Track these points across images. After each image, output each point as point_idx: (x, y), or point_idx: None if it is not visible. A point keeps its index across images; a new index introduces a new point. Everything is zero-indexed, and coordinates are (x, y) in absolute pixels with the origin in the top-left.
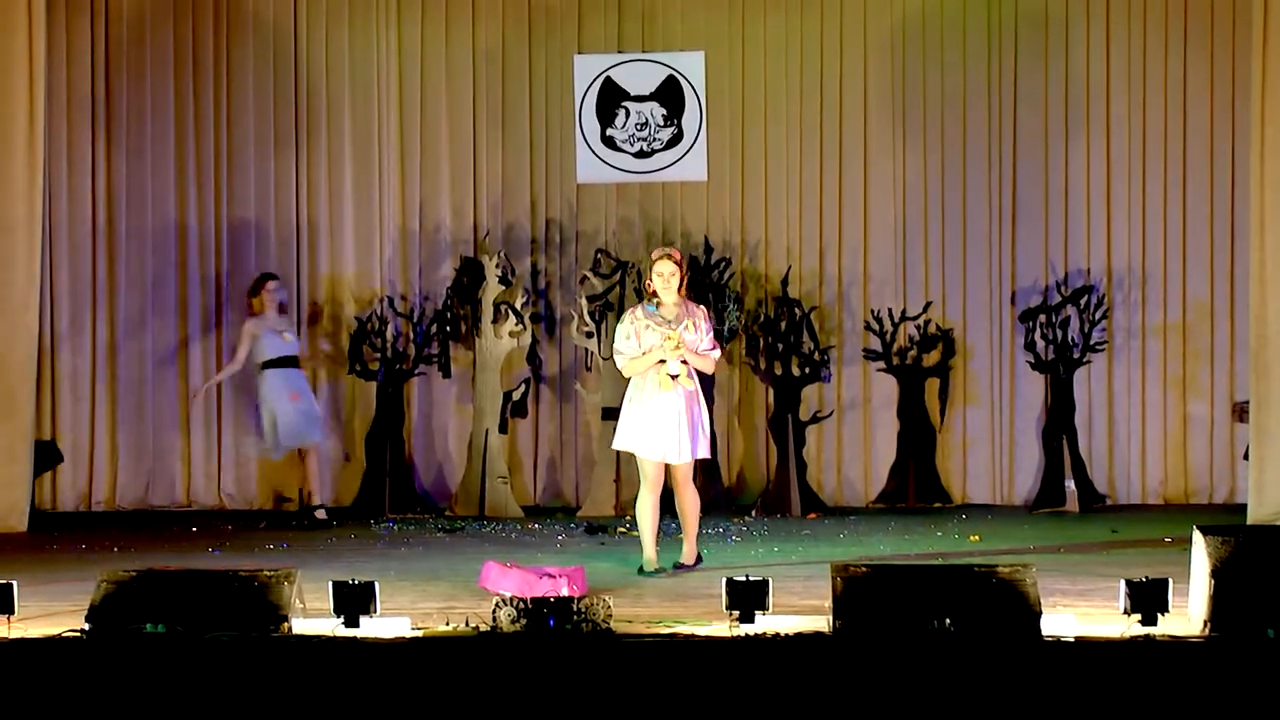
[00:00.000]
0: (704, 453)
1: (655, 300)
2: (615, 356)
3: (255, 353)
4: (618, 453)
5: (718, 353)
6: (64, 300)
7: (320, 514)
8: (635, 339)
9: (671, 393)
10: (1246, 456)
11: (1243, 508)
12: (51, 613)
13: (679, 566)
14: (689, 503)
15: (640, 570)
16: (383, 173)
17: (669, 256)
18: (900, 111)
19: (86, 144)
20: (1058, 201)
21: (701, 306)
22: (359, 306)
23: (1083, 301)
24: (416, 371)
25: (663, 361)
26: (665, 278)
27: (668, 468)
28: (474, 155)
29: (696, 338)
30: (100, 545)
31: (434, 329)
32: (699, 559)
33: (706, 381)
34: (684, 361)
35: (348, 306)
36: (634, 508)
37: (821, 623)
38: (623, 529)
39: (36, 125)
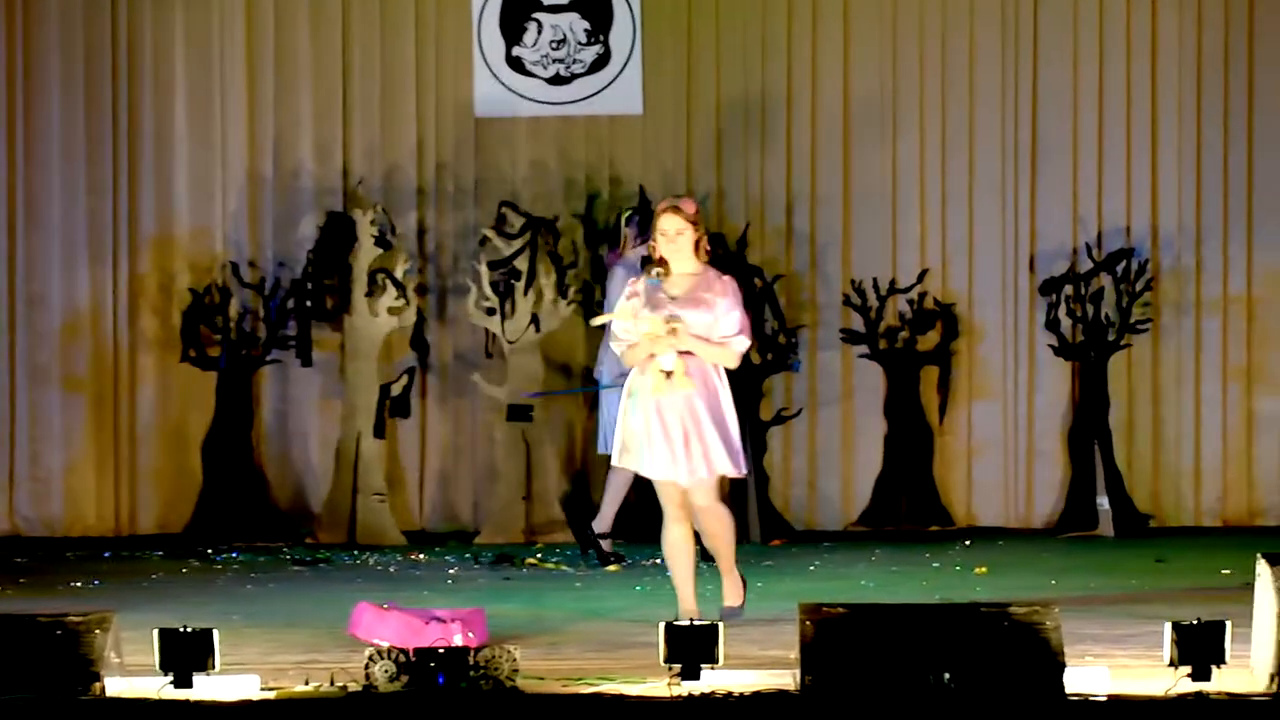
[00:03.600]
0: (723, 468)
1: (659, 270)
2: (612, 343)
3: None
4: (527, 465)
5: (742, 341)
6: None
7: (608, 544)
8: (634, 320)
9: (669, 395)
10: None
11: None
12: None
13: (726, 611)
14: (709, 530)
15: None
16: (225, 102)
17: (675, 209)
18: (890, 21)
19: None
20: (1089, 139)
21: (729, 278)
22: (194, 276)
23: (1120, 268)
24: (268, 358)
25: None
26: (670, 237)
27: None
28: (344, 79)
29: (708, 319)
30: None
31: (291, 304)
32: (733, 612)
33: (736, 378)
34: (685, 353)
35: (180, 276)
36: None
37: (787, 678)
38: (533, 559)
39: None
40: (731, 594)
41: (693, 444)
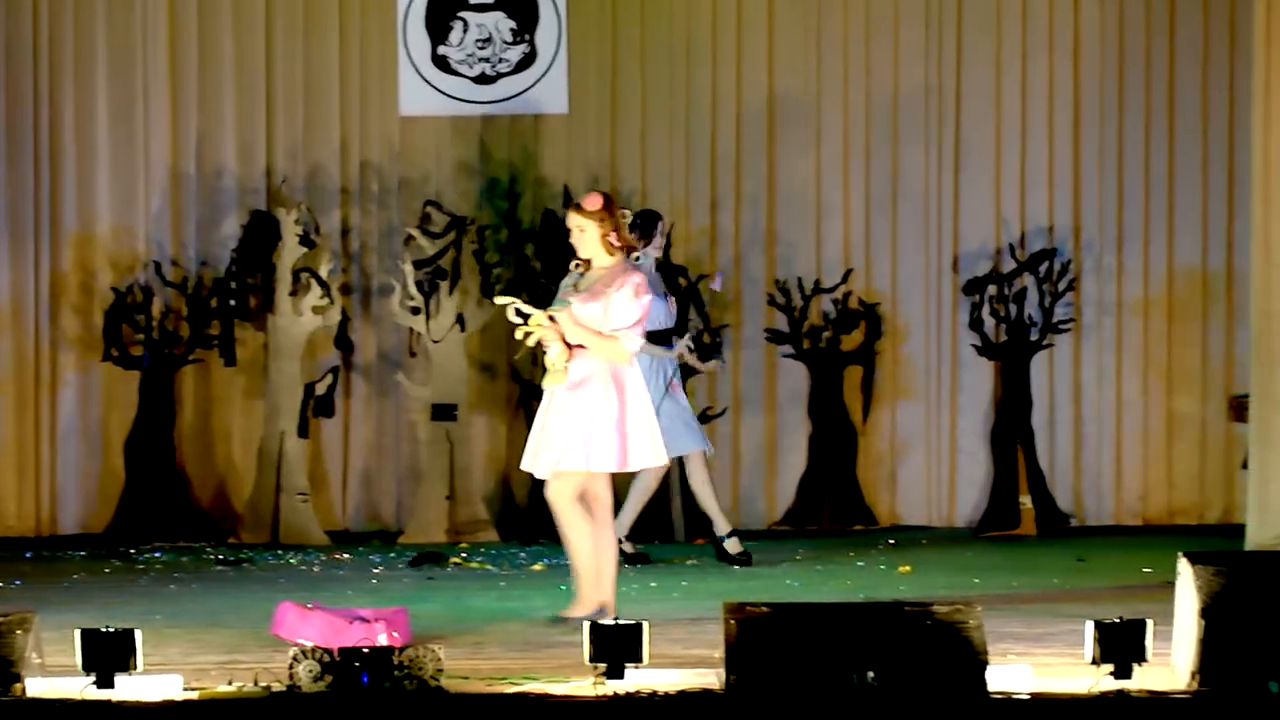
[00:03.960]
0: (568, 465)
1: (577, 264)
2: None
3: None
4: (451, 464)
5: (630, 337)
6: None
7: (733, 544)
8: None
9: (556, 387)
10: (1246, 465)
11: (1241, 529)
12: None
13: (557, 618)
14: (560, 533)
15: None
16: (148, 100)
17: (576, 206)
18: (815, 25)
19: None
20: (1012, 142)
21: (636, 275)
22: (117, 274)
23: (1043, 269)
24: (191, 358)
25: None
26: (574, 235)
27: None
28: (267, 79)
29: (599, 314)
30: None
31: (214, 303)
32: (598, 610)
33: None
34: (576, 345)
35: (102, 274)
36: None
37: (711, 677)
38: (457, 559)
39: None
40: (575, 604)
41: (544, 440)
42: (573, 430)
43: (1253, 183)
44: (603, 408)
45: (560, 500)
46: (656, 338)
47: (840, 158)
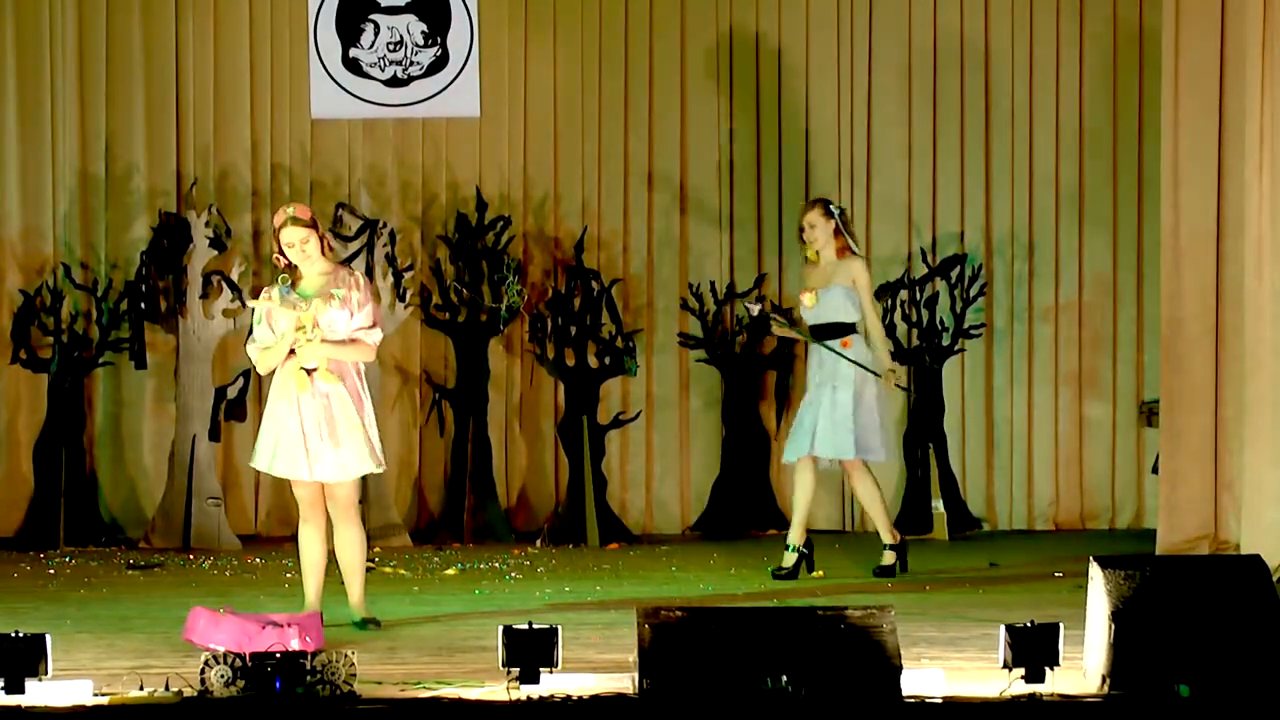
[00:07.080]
0: (361, 467)
1: (285, 276)
2: (248, 347)
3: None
4: None
5: (375, 335)
6: None
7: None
8: (267, 322)
9: (308, 393)
10: (1156, 470)
11: (1151, 534)
12: None
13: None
14: (341, 538)
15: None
16: (55, 98)
17: (294, 220)
18: (726, 32)
19: None
20: (923, 149)
21: (357, 274)
22: (25, 277)
23: (954, 274)
24: (101, 361)
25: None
26: (297, 247)
27: (324, 489)
28: (177, 80)
29: (341, 315)
30: None
31: (124, 306)
32: (371, 622)
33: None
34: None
35: (10, 277)
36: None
37: (625, 682)
38: (371, 563)
39: None
40: (357, 605)
41: (326, 446)
42: (348, 438)
43: (1161, 190)
44: (369, 413)
45: (344, 509)
46: (829, 332)
47: (751, 164)
